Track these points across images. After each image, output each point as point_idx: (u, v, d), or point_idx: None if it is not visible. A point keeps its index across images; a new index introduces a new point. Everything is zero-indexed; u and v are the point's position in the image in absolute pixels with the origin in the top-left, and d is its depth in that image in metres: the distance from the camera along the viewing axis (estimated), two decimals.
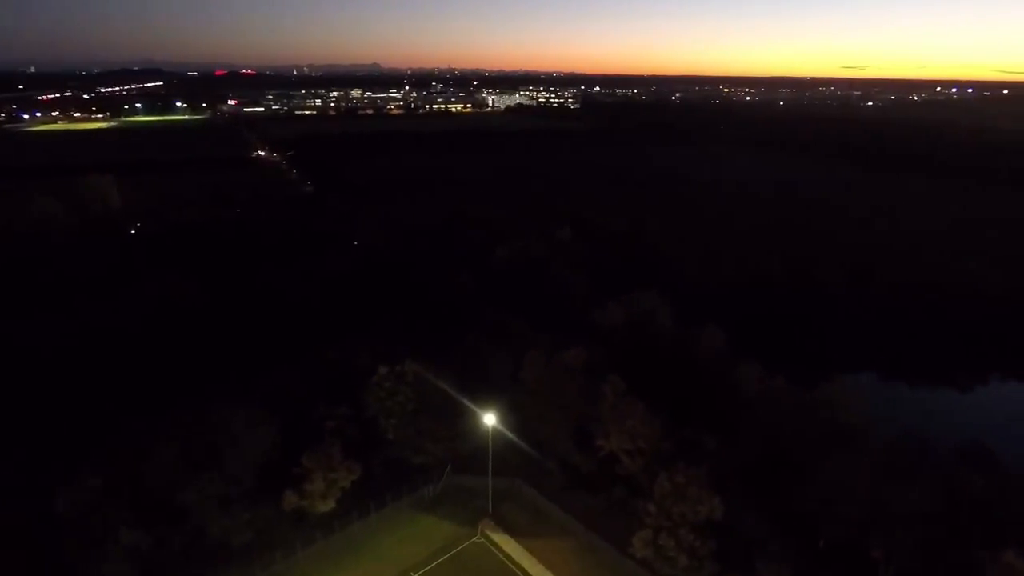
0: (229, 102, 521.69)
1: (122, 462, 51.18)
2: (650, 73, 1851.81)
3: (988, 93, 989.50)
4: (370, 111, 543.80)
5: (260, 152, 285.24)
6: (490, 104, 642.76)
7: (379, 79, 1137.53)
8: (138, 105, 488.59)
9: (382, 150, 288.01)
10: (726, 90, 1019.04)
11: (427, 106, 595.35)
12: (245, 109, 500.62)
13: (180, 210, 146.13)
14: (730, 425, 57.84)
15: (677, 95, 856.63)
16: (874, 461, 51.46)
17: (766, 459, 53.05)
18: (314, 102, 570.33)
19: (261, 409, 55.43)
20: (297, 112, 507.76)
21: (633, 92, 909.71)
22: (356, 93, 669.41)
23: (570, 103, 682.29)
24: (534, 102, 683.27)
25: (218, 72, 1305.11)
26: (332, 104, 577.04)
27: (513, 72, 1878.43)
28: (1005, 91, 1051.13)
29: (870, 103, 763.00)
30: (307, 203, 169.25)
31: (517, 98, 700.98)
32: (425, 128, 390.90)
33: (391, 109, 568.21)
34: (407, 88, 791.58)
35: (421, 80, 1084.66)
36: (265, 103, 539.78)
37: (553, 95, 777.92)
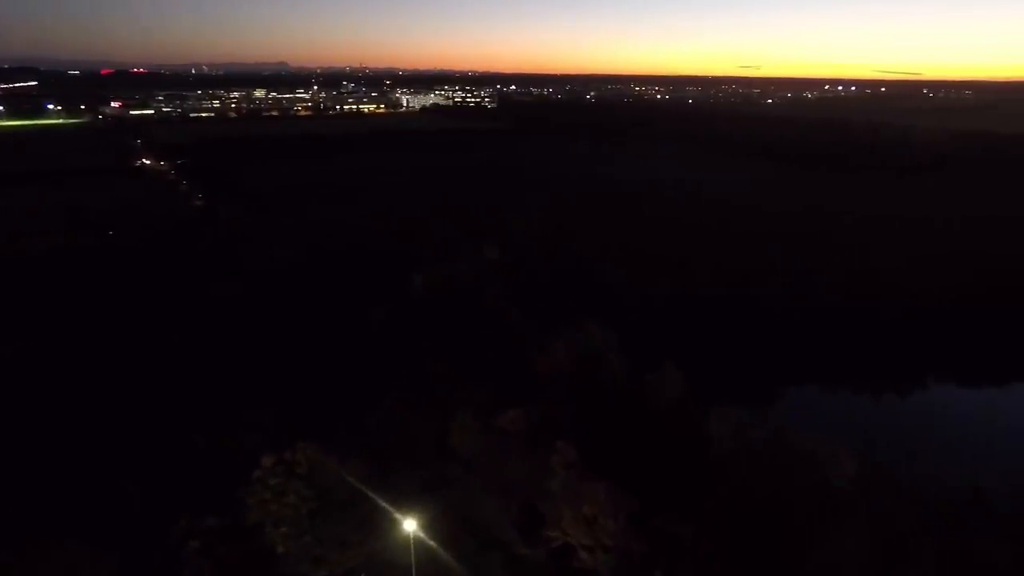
0: (113, 104, 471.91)
1: None
2: (564, 72, 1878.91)
3: (869, 91, 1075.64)
4: (275, 113, 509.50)
5: (145, 160, 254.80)
6: (405, 104, 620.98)
7: (286, 79, 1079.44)
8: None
9: (287, 155, 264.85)
10: (637, 88, 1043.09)
11: (338, 107, 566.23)
12: (132, 111, 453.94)
13: (19, 237, 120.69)
14: (707, 496, 48.08)
15: (592, 94, 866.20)
16: (875, 536, 43.24)
17: (754, 547, 43.49)
18: (212, 103, 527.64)
19: (88, 548, 39.84)
20: (192, 115, 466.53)
21: (548, 91, 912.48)
22: (260, 93, 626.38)
23: (487, 102, 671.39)
24: (450, 102, 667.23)
25: (104, 71, 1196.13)
26: (233, 105, 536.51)
27: (428, 71, 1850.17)
28: (883, 88, 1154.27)
29: (769, 100, 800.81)
30: (195, 220, 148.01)
31: (432, 98, 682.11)
32: (336, 130, 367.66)
33: (299, 110, 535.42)
34: (316, 88, 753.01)
35: (331, 79, 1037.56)
36: (155, 105, 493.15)
37: (469, 94, 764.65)
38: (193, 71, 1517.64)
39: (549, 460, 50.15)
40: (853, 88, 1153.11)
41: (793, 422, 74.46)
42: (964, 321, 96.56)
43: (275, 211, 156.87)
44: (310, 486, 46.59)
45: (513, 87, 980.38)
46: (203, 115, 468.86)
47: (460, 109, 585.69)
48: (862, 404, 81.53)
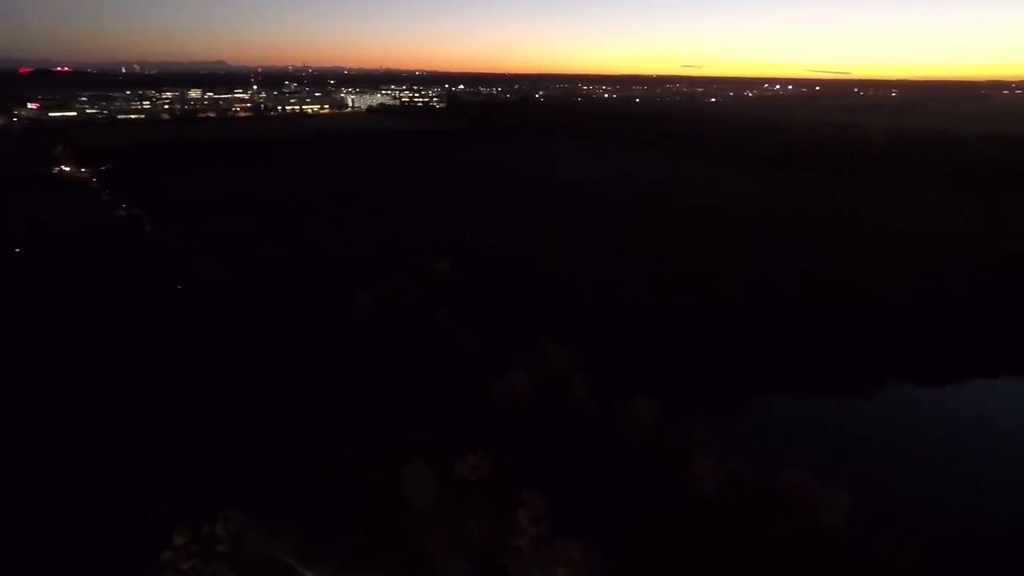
0: (29, 105, 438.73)
1: None
2: (513, 71, 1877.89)
3: (805, 89, 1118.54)
4: (212, 114, 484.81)
5: (64, 167, 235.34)
6: (350, 104, 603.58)
7: (224, 78, 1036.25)
8: None
9: (223, 160, 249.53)
10: (585, 88, 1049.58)
11: (279, 107, 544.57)
12: (51, 113, 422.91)
13: None
14: (692, 546, 43.16)
15: (541, 93, 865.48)
16: None
17: None
18: (142, 105, 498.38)
19: None
20: (120, 117, 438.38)
21: (497, 90, 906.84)
22: (195, 94, 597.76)
23: (435, 102, 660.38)
24: (397, 102, 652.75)
25: (22, 70, 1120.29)
26: (166, 107, 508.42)
27: (374, 70, 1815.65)
28: (817, 87, 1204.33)
29: (713, 99, 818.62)
30: (116, 235, 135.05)
31: (379, 97, 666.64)
32: (277, 132, 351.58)
33: (237, 111, 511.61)
34: (256, 88, 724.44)
35: (273, 79, 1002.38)
36: (79, 106, 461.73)
37: (417, 94, 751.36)
38: (123, 70, 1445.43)
39: (515, 513, 44.30)
40: (790, 87, 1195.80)
41: (762, 433, 73.29)
42: (919, 319, 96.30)
43: (209, 223, 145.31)
44: (233, 566, 39.22)
45: (462, 87, 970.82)
46: (132, 117, 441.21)
47: (408, 109, 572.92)
48: (830, 409, 79.81)
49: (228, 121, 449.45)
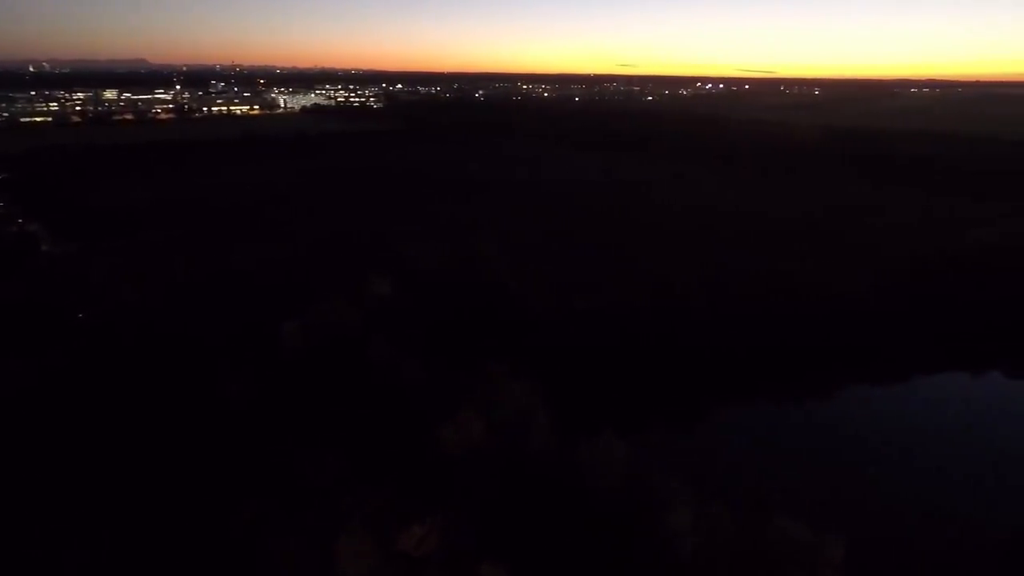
0: None
1: None
2: (451, 70, 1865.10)
3: (735, 88, 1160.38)
4: (129, 116, 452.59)
5: None
6: (282, 105, 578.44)
7: (145, 77, 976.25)
8: None
9: (139, 166, 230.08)
10: (525, 87, 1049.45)
11: (205, 108, 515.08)
12: None
13: None
14: None
15: (481, 92, 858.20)
16: None
17: None
18: (49, 107, 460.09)
19: None
20: (24, 119, 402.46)
21: (437, 90, 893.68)
22: (111, 94, 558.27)
23: (372, 102, 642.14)
24: (332, 102, 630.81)
25: None
26: (77, 108, 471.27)
27: (308, 69, 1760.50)
28: (746, 86, 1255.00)
29: (650, 97, 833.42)
30: (8, 253, 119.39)
31: (313, 97, 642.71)
32: (202, 135, 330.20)
33: (158, 113, 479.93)
34: (179, 88, 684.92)
35: (198, 78, 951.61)
36: None
37: (353, 94, 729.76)
38: (31, 68, 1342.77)
39: None
40: (721, 85, 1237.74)
41: (728, 446, 70.05)
42: (867, 319, 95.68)
43: (118, 238, 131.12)
44: None
45: (400, 86, 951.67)
46: (37, 120, 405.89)
47: (344, 110, 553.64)
48: (790, 417, 77.75)
49: (147, 123, 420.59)
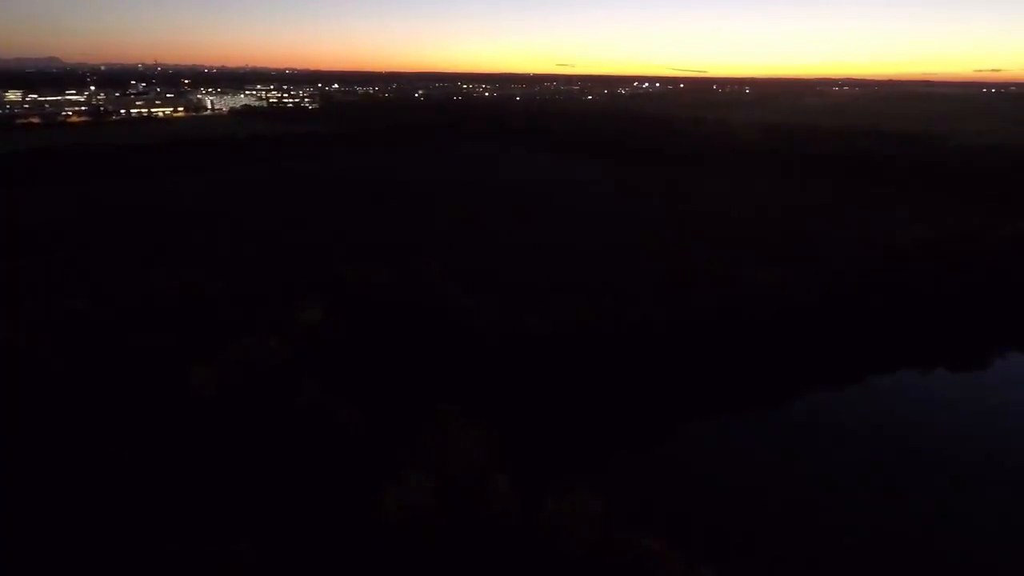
0: None
1: None
2: (390, 70, 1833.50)
3: (670, 87, 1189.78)
4: (35, 120, 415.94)
5: None
6: (209, 106, 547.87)
7: (56, 77, 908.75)
8: None
9: (42, 176, 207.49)
10: (465, 87, 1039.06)
11: (122, 110, 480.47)
12: None
13: None
14: None
15: (420, 92, 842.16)
16: None
17: None
18: None
19: None
20: None
21: (374, 90, 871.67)
22: (14, 96, 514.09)
23: (307, 103, 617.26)
24: (264, 103, 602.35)
25: None
26: None
27: (238, 69, 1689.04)
28: (682, 84, 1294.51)
29: (590, 96, 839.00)
30: None
31: (243, 98, 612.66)
32: (118, 140, 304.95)
33: (69, 116, 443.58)
34: (94, 88, 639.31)
35: (117, 78, 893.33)
36: None
37: (287, 95, 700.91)
38: None
39: None
40: (657, 84, 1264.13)
41: (699, 464, 65.06)
42: (825, 320, 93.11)
43: (1, 262, 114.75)
44: None
45: (336, 86, 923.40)
46: None
47: (276, 111, 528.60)
48: (751, 428, 74.39)
49: (56, 128, 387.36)
